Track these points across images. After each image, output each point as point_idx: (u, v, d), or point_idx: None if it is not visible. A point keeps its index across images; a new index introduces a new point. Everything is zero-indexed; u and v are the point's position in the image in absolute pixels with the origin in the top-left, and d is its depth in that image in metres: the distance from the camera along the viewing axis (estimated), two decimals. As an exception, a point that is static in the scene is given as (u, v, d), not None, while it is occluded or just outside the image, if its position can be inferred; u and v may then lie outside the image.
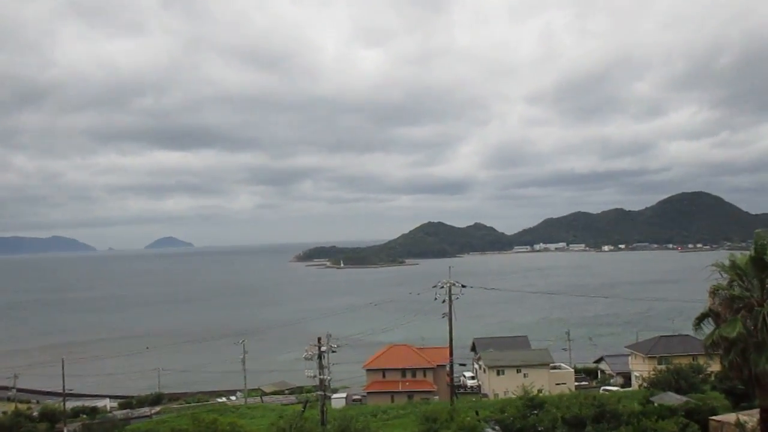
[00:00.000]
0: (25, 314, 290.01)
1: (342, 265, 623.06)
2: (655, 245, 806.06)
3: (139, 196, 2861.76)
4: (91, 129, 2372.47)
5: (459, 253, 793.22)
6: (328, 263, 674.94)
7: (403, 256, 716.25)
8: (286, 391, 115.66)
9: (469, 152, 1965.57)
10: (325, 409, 53.93)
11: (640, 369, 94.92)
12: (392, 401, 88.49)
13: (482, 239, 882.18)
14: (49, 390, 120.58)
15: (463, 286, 59.10)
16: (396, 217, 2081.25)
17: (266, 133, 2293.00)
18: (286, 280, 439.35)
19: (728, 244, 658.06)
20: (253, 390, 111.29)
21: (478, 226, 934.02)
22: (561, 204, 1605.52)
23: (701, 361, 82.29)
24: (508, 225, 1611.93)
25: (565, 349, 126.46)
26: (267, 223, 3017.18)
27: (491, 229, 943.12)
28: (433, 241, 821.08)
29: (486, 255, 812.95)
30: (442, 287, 59.79)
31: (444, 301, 59.36)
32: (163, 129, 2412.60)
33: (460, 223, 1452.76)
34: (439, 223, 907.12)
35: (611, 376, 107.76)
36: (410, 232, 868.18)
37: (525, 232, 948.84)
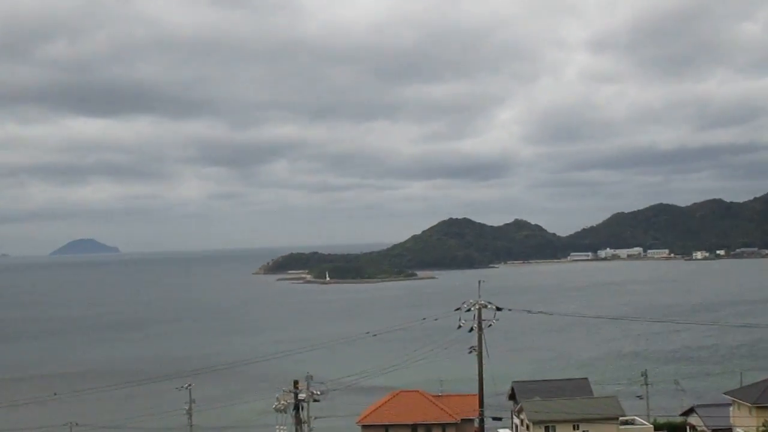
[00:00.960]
0: None
1: (328, 278, 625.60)
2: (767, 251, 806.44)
3: (45, 182, 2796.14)
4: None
5: (493, 263, 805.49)
6: (308, 276, 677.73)
7: (413, 266, 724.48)
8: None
9: (508, 120, 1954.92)
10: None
11: (746, 425, 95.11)
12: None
13: (525, 243, 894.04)
14: None
15: (499, 309, 59.11)
16: (404, 212, 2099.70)
17: (224, 93, 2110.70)
18: (249, 300, 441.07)
19: None
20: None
21: (519, 225, 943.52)
22: (636, 194, 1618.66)
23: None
24: (561, 223, 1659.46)
25: (640, 397, 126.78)
26: (223, 220, 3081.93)
27: (538, 228, 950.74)
28: (457, 245, 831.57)
29: (530, 264, 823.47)
30: (469, 310, 59.41)
31: (471, 330, 59.55)
32: (79, 87, 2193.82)
33: (495, 219, 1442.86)
34: (465, 220, 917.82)
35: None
36: (424, 233, 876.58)
37: (585, 232, 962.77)
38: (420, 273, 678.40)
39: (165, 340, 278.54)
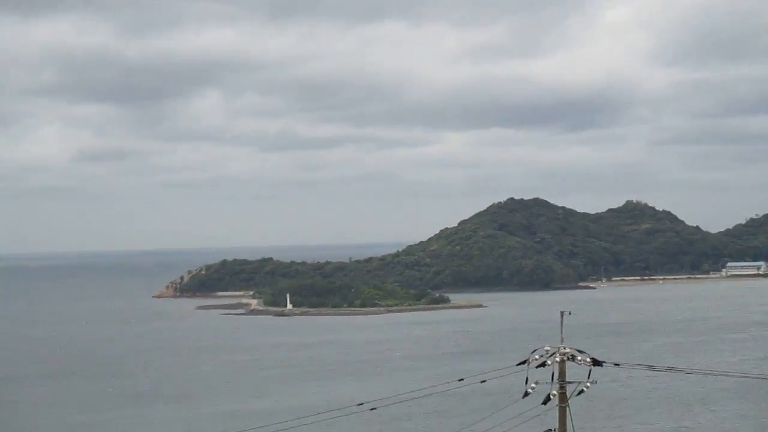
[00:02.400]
0: None
1: (290, 306, 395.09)
2: None
3: None
4: None
5: (587, 279, 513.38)
6: (254, 302, 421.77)
7: (444, 284, 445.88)
8: None
9: (621, 23, 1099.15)
10: None
11: None
12: None
13: (645, 243, 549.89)
14: None
15: (597, 363, 38.31)
16: (430, 187, 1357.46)
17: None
18: (152, 346, 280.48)
19: None
20: None
21: (634, 211, 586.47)
22: None
23: None
24: (708, 210, 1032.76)
25: None
26: (106, 199, 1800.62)
27: (667, 217, 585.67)
28: (522, 246, 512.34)
29: (654, 282, 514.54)
30: (544, 364, 39.33)
31: (548, 401, 37.94)
32: None
33: (591, 202, 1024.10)
34: (538, 201, 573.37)
35: None
36: (463, 224, 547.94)
37: (753, 227, 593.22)
38: (455, 297, 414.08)
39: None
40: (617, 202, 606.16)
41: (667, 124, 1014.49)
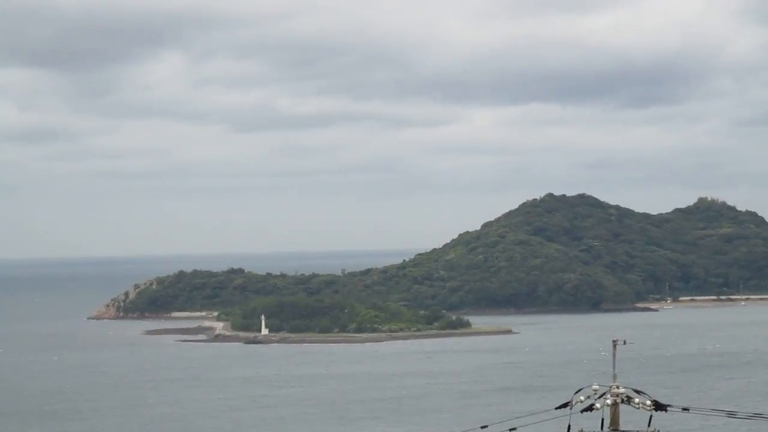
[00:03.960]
0: None
1: (265, 332, 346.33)
2: None
3: None
4: None
5: (648, 298, 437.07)
6: (219, 326, 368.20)
7: (463, 303, 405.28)
8: None
9: None
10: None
11: None
12: None
13: (725, 253, 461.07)
14: None
15: (660, 408, 31.37)
16: (449, 178, 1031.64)
17: None
18: (90, 382, 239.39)
19: None
20: None
21: (710, 212, 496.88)
22: None
23: None
24: None
25: None
26: (15, 194, 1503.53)
27: (754, 219, 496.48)
28: (564, 256, 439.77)
29: (735, 303, 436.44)
30: (592, 407, 32.15)
31: None
32: None
33: (656, 200, 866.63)
34: (585, 198, 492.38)
35: None
36: (488, 226, 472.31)
37: None
38: (477, 320, 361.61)
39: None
40: (688, 200, 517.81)
41: (756, 98, 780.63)
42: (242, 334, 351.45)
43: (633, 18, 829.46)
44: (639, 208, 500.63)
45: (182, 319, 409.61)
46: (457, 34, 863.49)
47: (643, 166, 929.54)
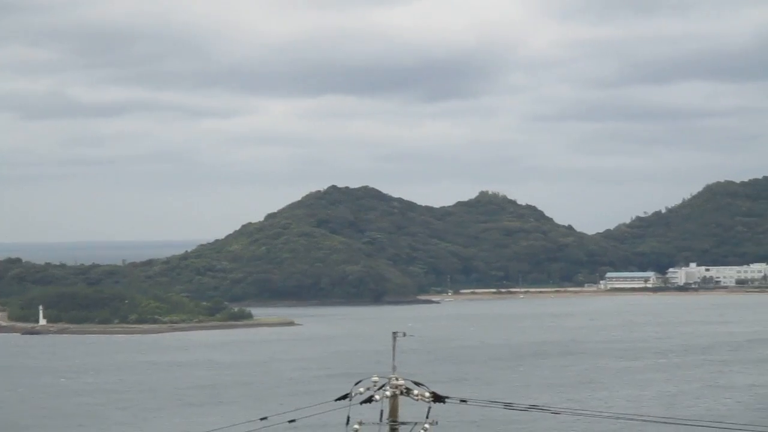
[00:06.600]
0: None
1: (43, 322, 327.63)
2: None
3: None
4: None
5: (428, 291, 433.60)
6: None
7: (241, 296, 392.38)
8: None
9: None
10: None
11: None
12: None
13: (503, 247, 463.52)
14: None
15: (439, 399, 31.84)
16: (235, 172, 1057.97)
17: None
18: None
19: None
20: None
21: (488, 205, 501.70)
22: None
23: None
24: (584, 209, 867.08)
25: None
26: None
27: (532, 213, 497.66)
28: (347, 248, 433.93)
29: (515, 296, 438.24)
30: (371, 399, 31.65)
31: None
32: None
33: (435, 193, 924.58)
34: (368, 191, 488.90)
35: None
36: (269, 219, 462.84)
37: (642, 227, 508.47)
38: (260, 312, 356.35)
39: None
40: (475, 194, 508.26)
41: (550, 94, 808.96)
42: (19, 324, 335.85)
43: (434, 12, 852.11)
44: (427, 202, 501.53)
45: None
46: (258, 24, 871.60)
47: (432, 159, 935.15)
